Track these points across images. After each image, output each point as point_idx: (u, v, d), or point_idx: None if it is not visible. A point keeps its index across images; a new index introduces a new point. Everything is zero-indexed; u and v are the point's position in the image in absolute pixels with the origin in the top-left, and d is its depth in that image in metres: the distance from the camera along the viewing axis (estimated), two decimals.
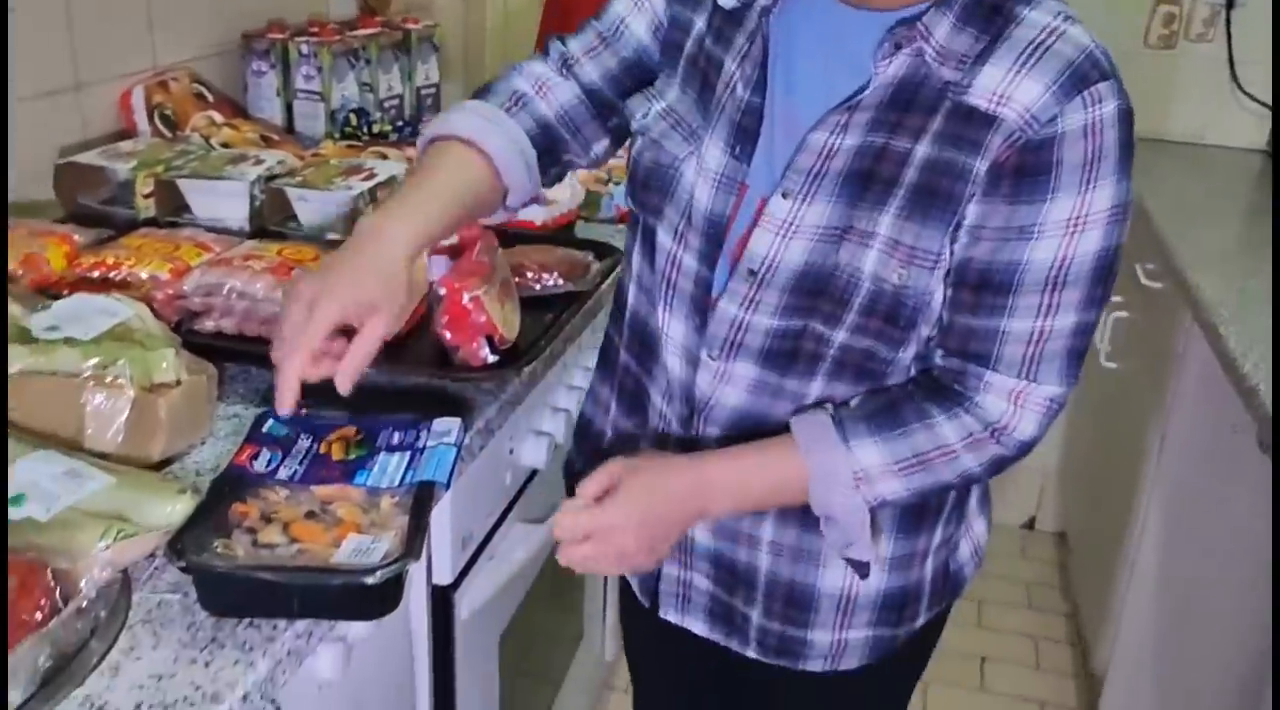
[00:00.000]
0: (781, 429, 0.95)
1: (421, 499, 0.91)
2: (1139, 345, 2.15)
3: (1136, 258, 2.11)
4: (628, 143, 1.07)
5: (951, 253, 0.88)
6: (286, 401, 0.88)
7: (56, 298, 1.14)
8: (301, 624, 0.88)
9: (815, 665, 1.06)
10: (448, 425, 1.00)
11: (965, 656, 2.35)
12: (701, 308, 0.97)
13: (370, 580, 0.81)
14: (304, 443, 0.98)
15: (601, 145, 1.09)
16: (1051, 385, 0.91)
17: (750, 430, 0.98)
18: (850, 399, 0.95)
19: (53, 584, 0.79)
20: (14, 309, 1.11)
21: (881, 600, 1.04)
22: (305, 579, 0.82)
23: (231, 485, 0.92)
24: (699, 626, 1.10)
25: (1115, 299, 2.12)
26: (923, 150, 0.87)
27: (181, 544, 0.83)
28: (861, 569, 1.00)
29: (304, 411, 1.00)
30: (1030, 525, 2.85)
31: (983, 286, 0.88)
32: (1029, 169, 0.84)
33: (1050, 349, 0.89)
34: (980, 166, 0.86)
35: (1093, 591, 2.31)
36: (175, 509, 0.90)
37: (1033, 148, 0.84)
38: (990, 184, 0.86)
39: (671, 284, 0.99)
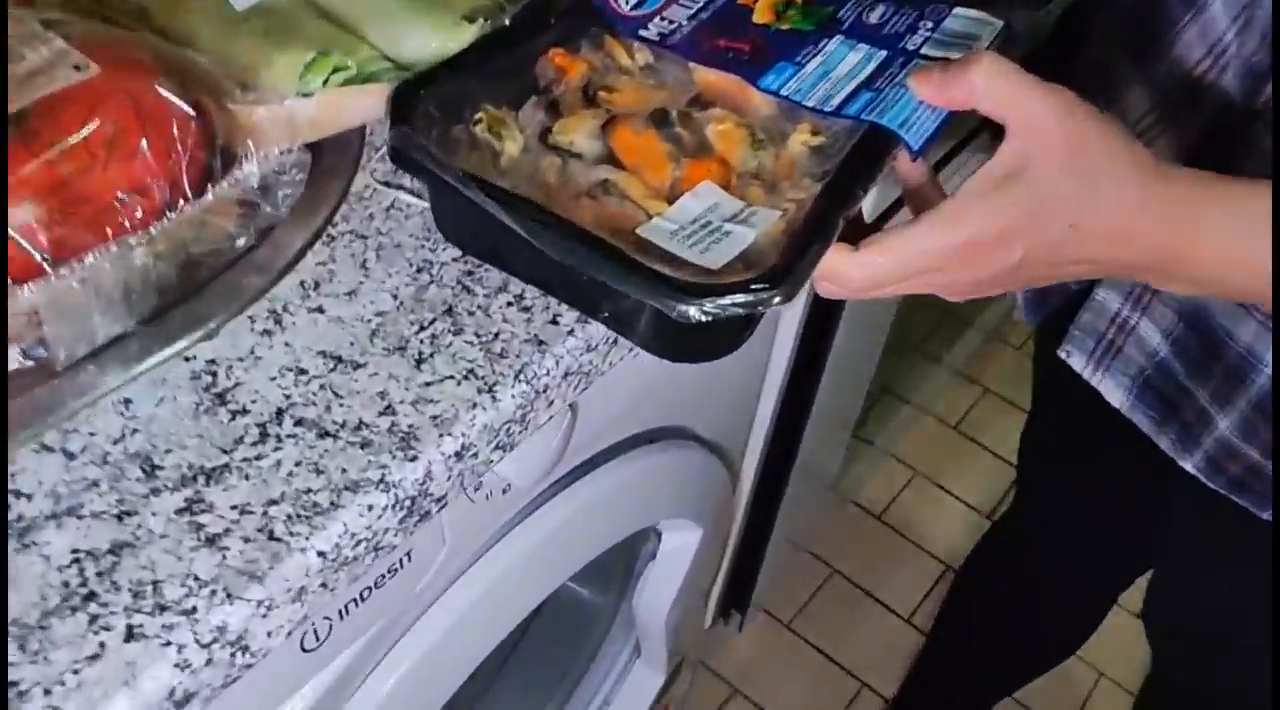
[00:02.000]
0: None
1: (865, 157, 0.45)
2: None
3: None
4: None
5: None
6: None
7: None
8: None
9: None
10: (969, 25, 0.51)
11: None
12: None
13: (691, 311, 0.39)
14: None
15: None
16: None
17: None
18: None
19: (215, 138, 0.43)
20: None
21: None
22: (569, 253, 0.41)
23: (559, 14, 0.50)
24: (1116, 395, 0.70)
25: None
26: None
27: (421, 98, 0.45)
28: None
29: None
30: None
31: None
32: None
33: None
34: None
35: None
36: (447, 48, 0.50)
37: None
38: None
39: None
